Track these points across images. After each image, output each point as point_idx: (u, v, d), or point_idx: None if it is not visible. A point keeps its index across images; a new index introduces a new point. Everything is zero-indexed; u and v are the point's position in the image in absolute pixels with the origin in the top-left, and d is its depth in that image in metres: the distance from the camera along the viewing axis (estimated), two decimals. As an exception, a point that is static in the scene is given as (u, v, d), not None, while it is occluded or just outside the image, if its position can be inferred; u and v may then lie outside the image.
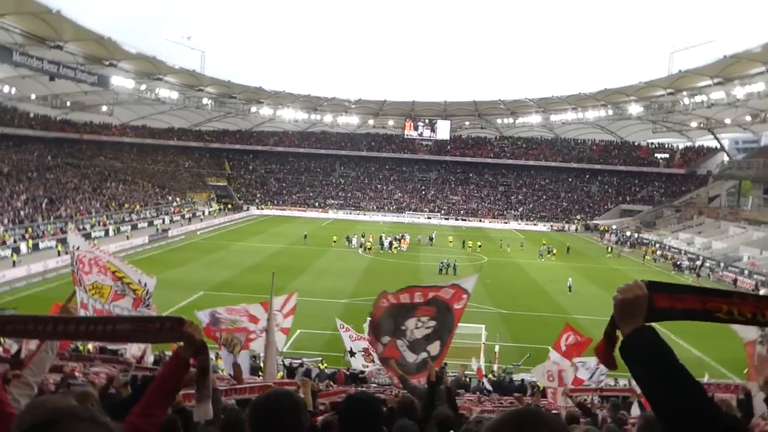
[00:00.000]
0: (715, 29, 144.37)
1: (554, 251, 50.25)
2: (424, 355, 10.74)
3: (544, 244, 51.67)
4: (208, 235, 53.92)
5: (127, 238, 46.92)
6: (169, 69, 61.56)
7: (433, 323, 10.63)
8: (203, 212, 67.28)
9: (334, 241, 49.72)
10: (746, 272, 42.75)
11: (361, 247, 48.78)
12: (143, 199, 62.30)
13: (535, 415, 1.10)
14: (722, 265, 45.83)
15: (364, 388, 13.46)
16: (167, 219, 59.38)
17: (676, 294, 1.64)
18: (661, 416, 1.46)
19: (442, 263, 39.75)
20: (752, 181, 64.88)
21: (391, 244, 49.70)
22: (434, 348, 10.56)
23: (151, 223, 55.95)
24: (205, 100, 74.75)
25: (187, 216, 62.87)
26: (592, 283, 37.53)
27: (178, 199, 68.06)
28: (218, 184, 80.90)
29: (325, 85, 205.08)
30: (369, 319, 11.67)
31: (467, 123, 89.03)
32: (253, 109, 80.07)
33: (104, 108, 73.37)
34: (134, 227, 52.88)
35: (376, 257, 44.92)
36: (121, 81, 58.32)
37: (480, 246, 51.22)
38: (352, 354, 15.33)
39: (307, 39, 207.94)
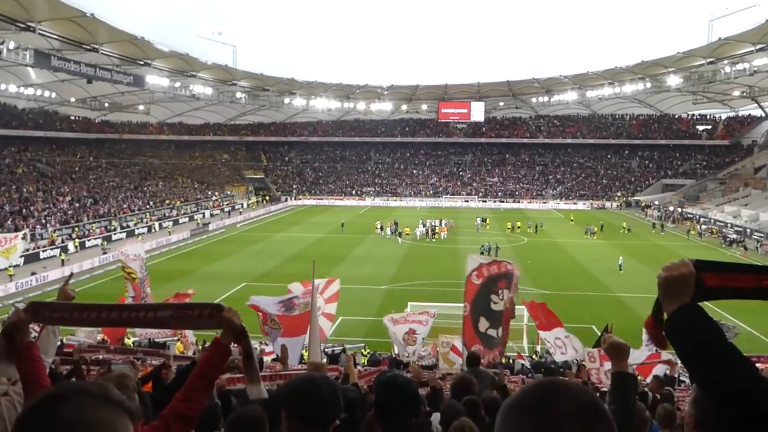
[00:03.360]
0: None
1: (595, 230, 49.44)
2: (492, 332, 11.12)
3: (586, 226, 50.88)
4: (248, 227, 54.64)
5: (169, 233, 47.82)
6: (201, 65, 62.18)
7: (505, 294, 10.96)
8: (242, 205, 68.11)
9: (380, 228, 49.70)
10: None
11: (393, 234, 47.15)
12: (183, 195, 63.40)
13: (560, 384, 1.08)
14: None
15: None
16: (207, 213, 60.31)
17: (727, 272, 1.56)
18: (710, 396, 1.40)
19: (482, 247, 38.83)
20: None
21: (430, 232, 47.82)
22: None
23: (191, 218, 56.95)
24: (238, 95, 75.30)
25: (226, 209, 63.83)
26: (637, 261, 36.80)
27: (217, 193, 69.10)
28: (255, 176, 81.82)
29: (357, 73, 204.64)
30: (465, 304, 11.74)
31: (501, 104, 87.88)
32: (287, 100, 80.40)
33: (141, 107, 74.85)
34: (175, 222, 53.88)
35: (414, 243, 44.82)
36: (155, 80, 59.17)
37: (519, 227, 50.68)
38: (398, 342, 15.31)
39: (337, 28, 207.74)
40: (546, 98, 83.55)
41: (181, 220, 55.45)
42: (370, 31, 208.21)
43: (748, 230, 47.62)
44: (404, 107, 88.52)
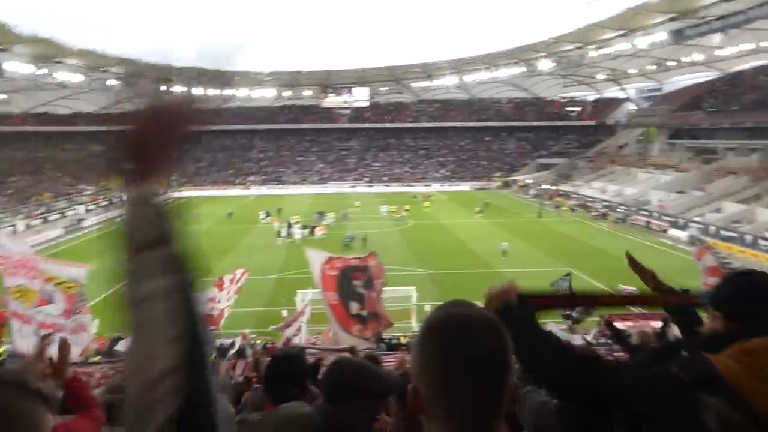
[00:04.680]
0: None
1: (479, 209, 51.30)
2: (363, 312, 11.75)
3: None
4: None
5: (38, 232, 44.63)
6: (68, 51, 58.35)
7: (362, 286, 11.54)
8: (120, 198, 64.57)
9: (266, 216, 48.77)
10: (655, 215, 45.09)
11: (289, 231, 41.29)
12: (54, 190, 59.35)
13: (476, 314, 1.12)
14: (634, 209, 48.18)
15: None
16: (82, 209, 56.77)
17: (549, 300, 1.94)
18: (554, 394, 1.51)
19: (346, 237, 36.91)
20: (657, 128, 68.01)
21: (310, 230, 41.33)
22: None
23: (64, 215, 53.42)
24: (111, 82, 71.41)
25: (103, 204, 60.35)
26: (517, 238, 38.62)
27: (92, 186, 65.17)
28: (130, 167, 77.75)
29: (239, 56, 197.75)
30: (329, 294, 12.01)
31: (385, 89, 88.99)
32: (164, 87, 77.26)
33: (1, 96, 69.06)
34: (45, 220, 50.35)
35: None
36: (15, 66, 54.84)
37: (407, 209, 51.32)
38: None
39: (218, 11, 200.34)
40: (428, 83, 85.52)
41: (51, 218, 51.87)
42: (252, 15, 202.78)
43: (614, 204, 51.31)
44: (287, 93, 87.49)
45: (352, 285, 12.23)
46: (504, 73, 78.31)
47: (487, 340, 1.05)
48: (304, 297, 19.90)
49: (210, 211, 55.78)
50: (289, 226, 41.57)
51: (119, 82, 72.06)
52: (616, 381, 1.37)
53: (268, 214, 49.03)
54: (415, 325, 21.09)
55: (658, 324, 11.45)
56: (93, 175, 62.75)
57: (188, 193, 72.35)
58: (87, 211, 56.46)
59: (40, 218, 50.19)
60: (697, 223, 40.45)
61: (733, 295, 1.81)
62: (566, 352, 1.51)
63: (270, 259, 33.64)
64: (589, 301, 2.02)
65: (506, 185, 73.96)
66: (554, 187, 64.48)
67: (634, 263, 2.45)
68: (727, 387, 1.14)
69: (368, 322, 12.29)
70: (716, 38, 52.87)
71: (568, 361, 1.47)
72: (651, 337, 7.23)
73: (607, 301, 2.08)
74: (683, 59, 63.60)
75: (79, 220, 50.55)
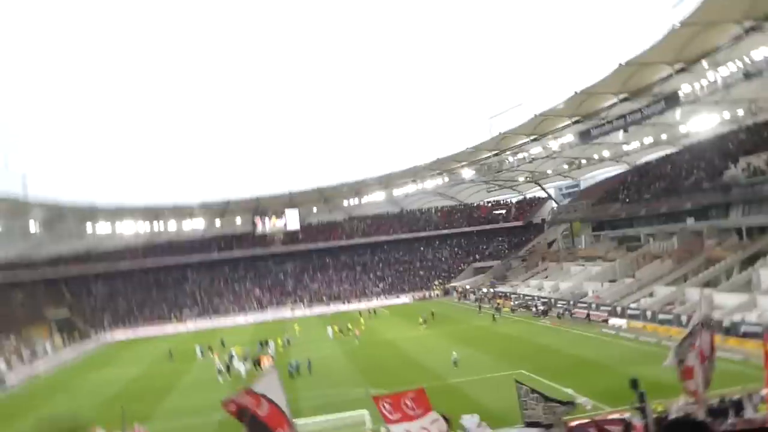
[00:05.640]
0: (523, 93, 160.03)
1: (423, 320, 51.06)
2: None
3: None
4: (57, 374, 48.78)
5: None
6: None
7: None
8: (45, 349, 60.89)
9: (201, 353, 46.70)
10: (593, 305, 46.05)
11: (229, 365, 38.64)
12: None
13: None
14: (572, 303, 49.08)
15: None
16: (3, 366, 52.86)
17: None
18: None
19: (290, 365, 35.20)
20: (581, 222, 70.97)
21: (255, 363, 38.23)
22: None
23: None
24: (32, 227, 69.17)
25: (26, 357, 56.47)
26: (465, 345, 38.35)
27: (13, 339, 61.14)
28: (59, 315, 73.90)
29: (167, 191, 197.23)
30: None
31: (315, 209, 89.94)
32: (89, 228, 75.39)
33: None
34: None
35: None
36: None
37: (350, 328, 50.34)
38: None
39: (141, 145, 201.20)
40: (357, 200, 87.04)
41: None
42: (177, 149, 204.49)
43: (552, 300, 52.19)
44: (218, 223, 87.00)
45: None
46: (430, 184, 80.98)
47: None
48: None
49: (146, 351, 53.33)
50: (230, 359, 39.70)
51: (40, 226, 69.98)
52: None
53: (202, 352, 46.77)
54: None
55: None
56: (15, 326, 59.39)
57: (122, 334, 69.13)
58: (9, 367, 52.57)
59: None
60: (633, 309, 41.46)
61: None
62: None
63: (211, 397, 31.89)
64: None
65: (446, 293, 74.45)
66: (493, 290, 65.28)
67: None
68: None
69: None
70: (620, 135, 56.66)
71: None
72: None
73: None
74: (594, 156, 67.59)
75: (0, 380, 46.89)
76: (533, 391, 11.95)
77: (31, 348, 59.92)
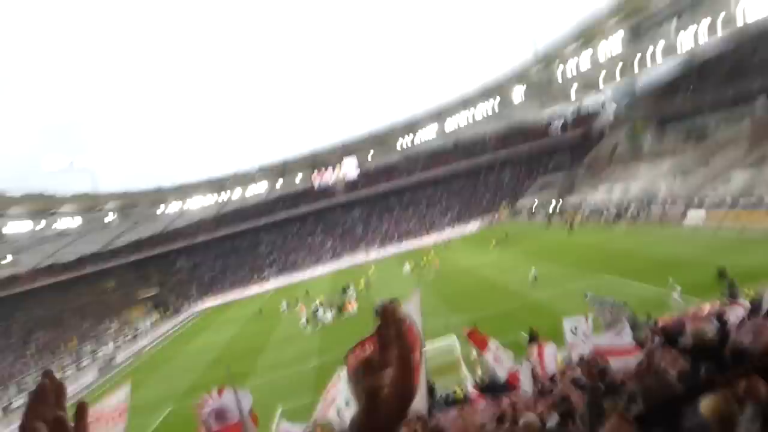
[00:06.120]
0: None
1: (495, 243, 51.06)
2: None
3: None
4: (159, 347, 51.83)
5: (74, 381, 44.30)
6: (61, 199, 59.49)
7: None
8: (145, 326, 64.63)
9: (286, 307, 48.48)
10: (668, 201, 44.77)
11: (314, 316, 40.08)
12: (80, 336, 59.29)
13: None
14: (645, 202, 47.87)
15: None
16: (111, 346, 56.59)
17: None
18: None
19: (375, 307, 36.27)
20: (643, 120, 68.35)
21: (338, 309, 40.47)
22: None
23: (94, 358, 53.20)
24: (108, 218, 72.48)
25: (129, 337, 60.19)
26: (542, 260, 38.23)
27: (114, 322, 65.16)
28: (150, 293, 78.02)
29: (228, 157, 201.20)
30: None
31: (371, 154, 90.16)
32: (160, 210, 78.25)
33: (7, 259, 70.00)
34: (78, 367, 50.08)
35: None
36: (15, 227, 55.79)
37: (425, 262, 50.83)
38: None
39: (194, 118, 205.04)
40: (411, 139, 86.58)
41: (84, 363, 51.61)
42: (232, 115, 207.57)
43: (625, 203, 51.04)
44: (280, 183, 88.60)
45: None
46: (481, 110, 79.53)
47: None
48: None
49: (236, 315, 55.67)
50: (316, 310, 41.06)
51: (115, 216, 73.30)
52: None
53: (288, 306, 48.63)
54: (466, 375, 20.34)
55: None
56: (114, 311, 62.83)
57: (211, 302, 72.40)
58: (116, 347, 56.31)
59: (73, 366, 49.92)
60: (711, 199, 40.13)
61: None
62: None
63: (304, 347, 33.23)
64: None
65: (515, 213, 73.86)
66: (562, 202, 64.33)
67: None
68: None
69: None
70: (673, 24, 53.68)
71: None
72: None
73: None
74: (649, 52, 64.51)
75: (110, 359, 50.35)
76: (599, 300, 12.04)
77: (132, 328, 63.66)
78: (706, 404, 3.20)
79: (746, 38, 54.87)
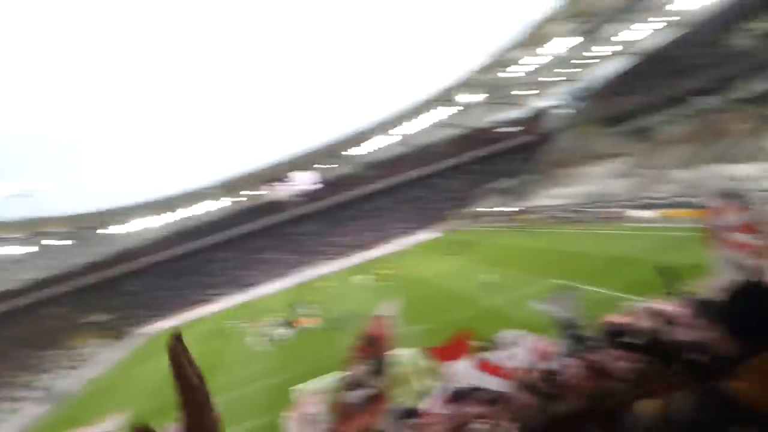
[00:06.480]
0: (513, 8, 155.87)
1: (451, 251, 51.05)
2: None
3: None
4: (108, 374, 50.11)
5: (19, 412, 42.38)
6: (5, 225, 57.35)
7: None
8: (94, 352, 62.47)
9: (241, 327, 47.48)
10: (614, 202, 45.66)
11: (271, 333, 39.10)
12: (25, 366, 56.96)
13: None
14: (593, 204, 48.73)
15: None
16: (58, 375, 54.48)
17: None
18: None
19: (331, 320, 35.70)
20: (591, 122, 69.71)
21: (290, 325, 39.54)
22: None
23: (39, 388, 51.03)
24: (58, 241, 70.18)
25: (76, 364, 58.05)
26: (497, 266, 38.34)
27: (62, 350, 62.84)
28: (99, 319, 75.56)
29: (177, 176, 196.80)
30: None
31: (325, 165, 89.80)
32: (108, 231, 76.15)
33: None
34: (22, 398, 47.91)
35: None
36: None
37: (382, 273, 50.60)
38: None
39: (140, 137, 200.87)
40: (365, 147, 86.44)
41: (28, 394, 49.44)
42: (179, 132, 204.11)
43: (573, 205, 51.86)
44: (232, 200, 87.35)
45: None
46: (435, 116, 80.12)
47: None
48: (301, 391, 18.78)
49: (188, 335, 53.96)
50: (272, 327, 40.23)
51: (65, 239, 71.05)
52: None
53: (240, 325, 47.49)
54: (423, 386, 19.95)
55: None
56: (61, 338, 60.64)
57: (163, 324, 70.62)
58: (62, 376, 54.19)
59: (17, 401, 47.74)
60: (655, 198, 41.00)
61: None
62: None
63: (260, 366, 32.48)
64: None
65: (470, 219, 74.30)
66: (514, 208, 65.01)
67: None
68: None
69: None
70: (618, 26, 54.92)
71: None
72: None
73: None
74: (596, 53, 65.98)
75: (56, 389, 48.35)
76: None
77: (80, 355, 61.56)
78: (643, 404, 3.02)
79: (689, 38, 56.55)
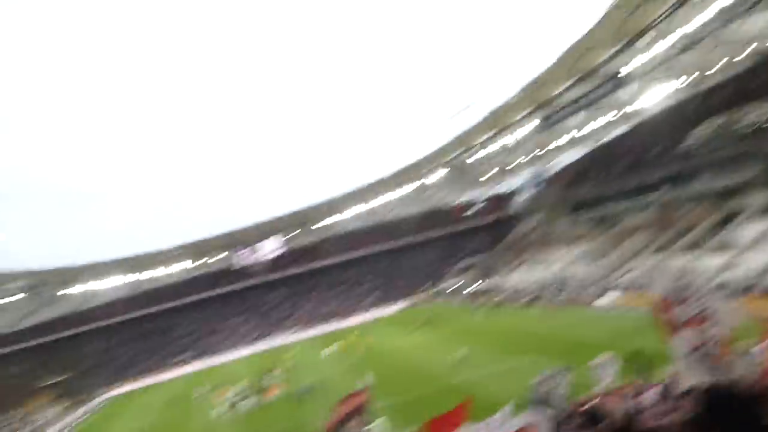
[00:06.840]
0: (475, 91, 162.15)
1: (418, 325, 51.61)
2: None
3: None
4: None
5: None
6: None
7: None
8: (50, 416, 60.18)
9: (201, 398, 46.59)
10: (579, 287, 47.18)
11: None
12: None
13: None
14: (557, 287, 50.19)
15: None
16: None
17: None
18: None
19: (297, 392, 35.04)
20: (555, 207, 72.23)
21: (257, 395, 38.81)
22: None
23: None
24: (12, 298, 68.55)
25: (32, 429, 55.76)
26: (462, 342, 38.96)
27: (16, 413, 60.34)
28: (56, 380, 73.02)
29: (143, 236, 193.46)
30: None
31: (293, 233, 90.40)
32: (69, 290, 74.78)
33: None
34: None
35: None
36: None
37: (348, 346, 50.49)
38: None
39: (106, 194, 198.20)
40: (334, 218, 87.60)
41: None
42: (147, 192, 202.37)
43: (538, 287, 53.30)
44: (197, 263, 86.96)
45: None
46: (401, 192, 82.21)
47: None
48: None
49: (150, 401, 53.10)
50: (236, 396, 39.64)
51: (22, 295, 69.49)
52: None
53: (203, 395, 46.38)
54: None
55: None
56: (16, 400, 58.59)
57: (123, 388, 68.64)
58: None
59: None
60: (619, 284, 42.59)
61: None
62: None
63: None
64: None
65: (437, 294, 75.19)
66: (480, 287, 66.26)
67: None
68: None
69: None
70: (580, 117, 58.04)
71: None
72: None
73: None
74: (558, 141, 69.09)
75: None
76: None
77: (36, 418, 59.42)
78: None
79: (648, 129, 59.78)
